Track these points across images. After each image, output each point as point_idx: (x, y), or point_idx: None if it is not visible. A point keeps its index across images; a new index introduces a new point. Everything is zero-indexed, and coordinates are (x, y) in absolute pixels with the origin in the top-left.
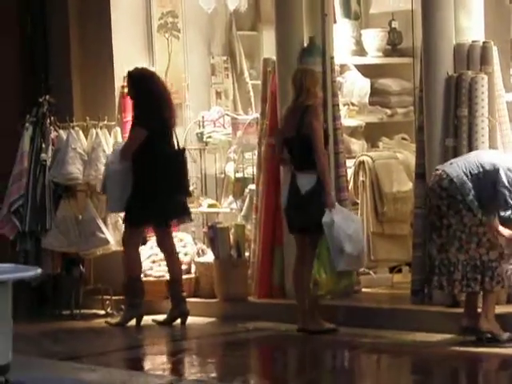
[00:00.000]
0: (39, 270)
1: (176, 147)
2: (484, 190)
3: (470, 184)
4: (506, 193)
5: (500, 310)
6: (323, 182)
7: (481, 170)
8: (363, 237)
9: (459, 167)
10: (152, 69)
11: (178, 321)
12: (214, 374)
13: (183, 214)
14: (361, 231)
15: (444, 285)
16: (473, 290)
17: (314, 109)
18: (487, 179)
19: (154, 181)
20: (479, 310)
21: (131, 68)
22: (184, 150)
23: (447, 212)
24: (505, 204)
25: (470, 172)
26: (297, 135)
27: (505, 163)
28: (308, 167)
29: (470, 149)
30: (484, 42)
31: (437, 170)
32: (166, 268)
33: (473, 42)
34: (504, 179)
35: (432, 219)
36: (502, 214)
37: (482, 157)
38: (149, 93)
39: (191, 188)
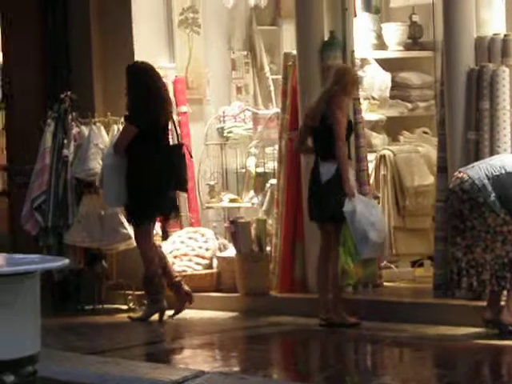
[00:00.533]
0: (67, 261)
1: (171, 143)
2: (506, 190)
3: (490, 185)
4: None
5: None
6: (341, 170)
7: (503, 171)
8: (385, 223)
9: (481, 169)
10: (172, 64)
11: (202, 315)
12: (236, 368)
13: (171, 211)
14: (382, 217)
15: (474, 285)
16: (504, 288)
17: (338, 99)
18: (509, 181)
19: (146, 177)
20: (502, 303)
21: (152, 63)
22: (180, 145)
23: (470, 215)
24: None
25: (492, 173)
26: (321, 125)
27: None
28: (331, 157)
29: (492, 142)
30: (505, 35)
31: (459, 172)
32: (188, 263)
33: (494, 34)
34: None
35: (454, 223)
36: None
37: (505, 160)
38: (141, 88)
39: (212, 183)
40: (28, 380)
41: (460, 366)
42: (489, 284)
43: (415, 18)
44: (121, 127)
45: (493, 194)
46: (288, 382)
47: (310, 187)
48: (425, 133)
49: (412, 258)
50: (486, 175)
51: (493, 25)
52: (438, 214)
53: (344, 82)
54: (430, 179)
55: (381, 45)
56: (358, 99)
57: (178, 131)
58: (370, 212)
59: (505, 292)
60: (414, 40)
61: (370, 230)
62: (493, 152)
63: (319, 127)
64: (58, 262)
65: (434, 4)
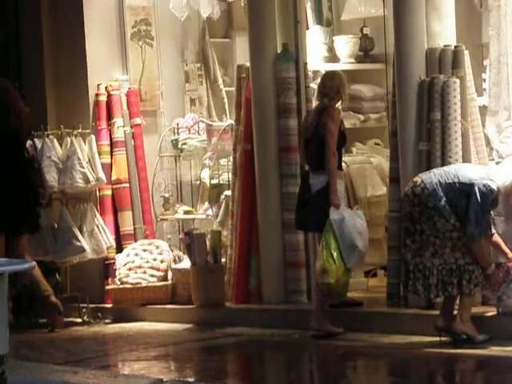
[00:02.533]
0: (33, 263)
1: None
2: (457, 199)
3: (442, 191)
4: (478, 210)
5: (475, 311)
6: (330, 181)
7: (456, 180)
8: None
9: (435, 175)
10: (125, 76)
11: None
12: (192, 379)
13: (19, 226)
14: (367, 228)
15: (419, 289)
16: (450, 294)
17: (330, 110)
18: (460, 191)
19: None
20: (455, 312)
21: (105, 76)
22: (31, 160)
23: (419, 218)
24: (475, 222)
25: (446, 180)
26: (313, 136)
27: (482, 180)
28: (323, 168)
29: (443, 153)
30: (456, 46)
31: (415, 176)
32: (143, 275)
33: (444, 46)
34: (478, 196)
35: (406, 225)
36: (470, 230)
37: (460, 169)
38: None
39: (167, 195)
40: None
41: (413, 374)
42: (434, 289)
43: (366, 30)
44: (74, 139)
45: (443, 199)
46: None
47: (299, 197)
48: (377, 144)
49: (365, 268)
50: (439, 181)
51: (443, 36)
52: (391, 224)
53: (336, 87)
54: (383, 190)
55: (333, 57)
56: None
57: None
58: (357, 222)
59: (457, 301)
60: (365, 52)
61: (358, 238)
62: (444, 162)
63: (312, 138)
64: (25, 265)
65: (385, 16)
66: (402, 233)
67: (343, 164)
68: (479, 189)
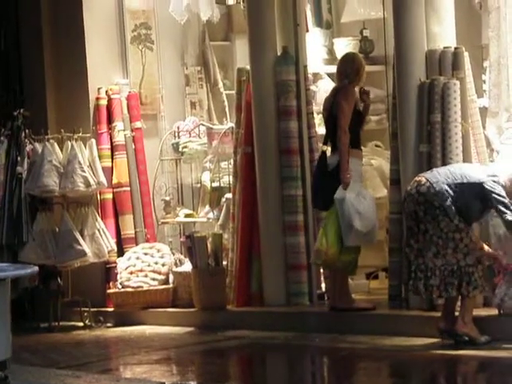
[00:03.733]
0: (36, 268)
1: None
2: (466, 200)
3: (451, 191)
4: (502, 200)
5: (477, 312)
6: (340, 158)
7: (464, 181)
8: (374, 214)
9: (440, 174)
10: (125, 80)
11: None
12: (194, 382)
13: None
14: (372, 209)
15: (420, 289)
16: (450, 295)
17: (345, 90)
18: (470, 191)
19: None
20: (457, 314)
21: (105, 80)
22: None
23: (424, 217)
24: (506, 208)
25: (454, 180)
26: (329, 116)
27: (489, 177)
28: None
29: (444, 154)
30: (455, 48)
31: (418, 176)
32: (144, 279)
33: (444, 48)
34: (494, 191)
35: (409, 224)
36: (508, 218)
37: (463, 169)
38: None
39: (168, 198)
40: None
41: (415, 376)
42: (436, 290)
43: (366, 32)
44: (75, 143)
45: (449, 199)
46: None
47: (315, 175)
48: (377, 146)
49: (367, 270)
50: (446, 180)
51: (443, 38)
52: (392, 226)
53: (356, 68)
54: (383, 192)
55: (332, 59)
56: (312, 113)
57: None
58: (359, 201)
59: (459, 302)
60: (365, 54)
61: (356, 218)
62: (445, 164)
63: (328, 119)
64: (28, 269)
65: (384, 18)
66: (406, 232)
67: None
68: (491, 186)
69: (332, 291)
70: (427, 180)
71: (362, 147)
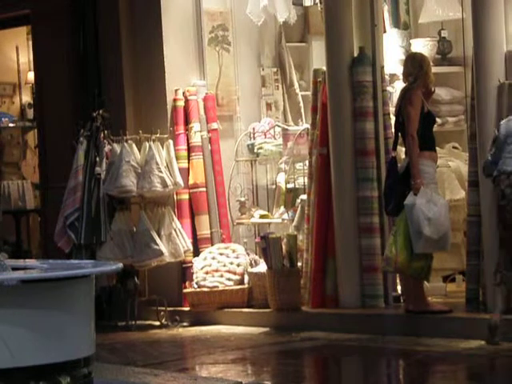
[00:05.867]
0: (120, 265)
1: None
2: None
3: None
4: None
5: None
6: (411, 164)
7: None
8: (447, 220)
9: None
10: (202, 82)
11: (234, 330)
12: (269, 382)
13: None
14: (444, 214)
15: None
16: None
17: (409, 93)
18: None
19: None
20: None
21: (182, 81)
22: None
23: None
24: None
25: None
26: (397, 120)
27: None
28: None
29: None
30: None
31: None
32: (220, 279)
33: None
34: None
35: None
36: None
37: None
38: None
39: (243, 199)
40: (84, 382)
41: (491, 380)
42: None
43: (444, 33)
44: (152, 144)
45: None
46: None
47: (386, 181)
48: (455, 148)
49: (444, 273)
50: None
51: None
52: (470, 228)
53: (425, 70)
54: (461, 194)
55: None
56: (388, 114)
57: None
58: (430, 208)
59: None
60: (442, 55)
61: (426, 225)
62: None
63: (396, 123)
64: (113, 266)
65: (463, 19)
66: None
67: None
68: None
69: (406, 294)
70: None
71: (440, 149)
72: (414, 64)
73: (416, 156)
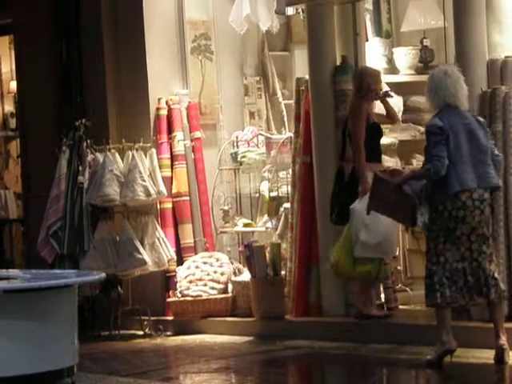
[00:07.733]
0: (103, 274)
1: None
2: None
3: None
4: None
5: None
6: (358, 172)
7: None
8: (387, 228)
9: None
10: (185, 91)
11: (218, 339)
12: None
13: None
14: (383, 223)
15: None
16: None
17: (353, 107)
18: None
19: None
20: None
21: (165, 90)
22: None
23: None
24: None
25: None
26: (343, 132)
27: None
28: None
29: (506, 164)
30: None
31: None
32: (203, 288)
33: (506, 57)
34: None
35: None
36: None
37: None
38: None
39: (226, 208)
40: None
41: None
42: None
43: (426, 41)
44: (135, 153)
45: None
46: None
47: (333, 190)
48: None
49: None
50: None
51: (505, 47)
52: None
53: (366, 83)
54: None
55: (392, 69)
56: None
57: None
58: (367, 214)
59: None
60: (425, 64)
61: (362, 230)
62: (506, 174)
63: (344, 132)
64: (96, 276)
65: (445, 28)
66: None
67: None
68: None
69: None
70: None
71: (422, 156)
72: (357, 77)
73: (363, 164)
